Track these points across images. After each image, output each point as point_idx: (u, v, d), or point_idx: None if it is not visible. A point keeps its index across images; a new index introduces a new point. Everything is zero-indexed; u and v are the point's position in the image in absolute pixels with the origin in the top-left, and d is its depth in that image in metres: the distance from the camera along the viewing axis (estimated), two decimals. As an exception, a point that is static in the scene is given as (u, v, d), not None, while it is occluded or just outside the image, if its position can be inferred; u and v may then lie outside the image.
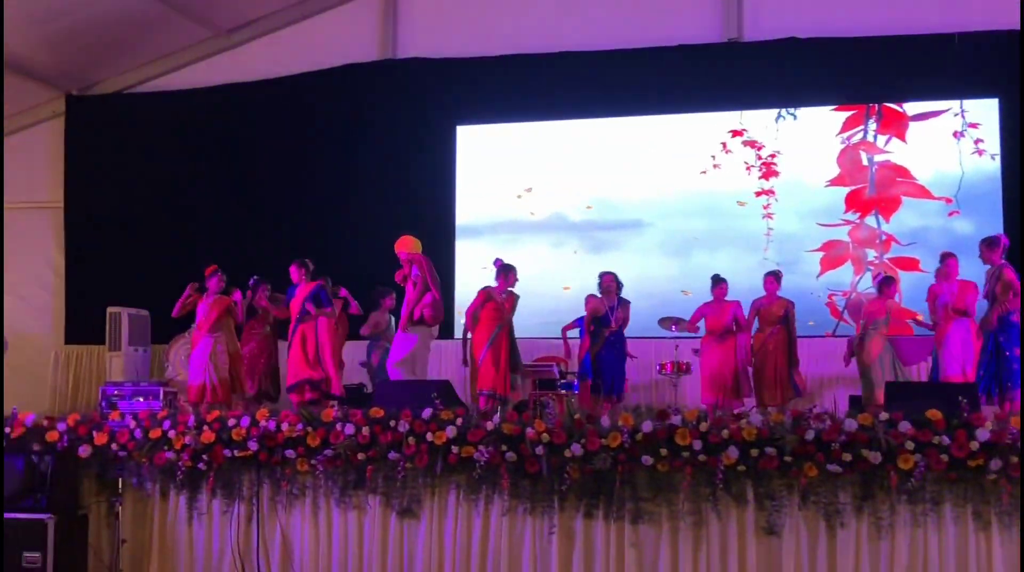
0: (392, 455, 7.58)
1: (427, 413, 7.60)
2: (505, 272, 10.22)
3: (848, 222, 13.02)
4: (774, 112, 13.39)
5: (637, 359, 11.40)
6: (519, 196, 13.89)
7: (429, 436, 7.51)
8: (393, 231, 13.70)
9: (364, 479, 7.70)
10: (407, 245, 9.73)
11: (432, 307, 9.31)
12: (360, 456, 7.68)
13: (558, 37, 13.71)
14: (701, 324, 11.12)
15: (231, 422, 7.99)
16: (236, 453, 7.90)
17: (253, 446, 7.85)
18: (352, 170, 14.07)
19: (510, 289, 10.19)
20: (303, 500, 7.87)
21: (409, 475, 7.60)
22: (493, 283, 10.32)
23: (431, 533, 7.57)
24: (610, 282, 11.05)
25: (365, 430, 7.66)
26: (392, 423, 7.63)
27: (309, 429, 7.81)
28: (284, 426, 7.84)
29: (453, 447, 7.47)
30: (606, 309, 10.95)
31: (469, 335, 10.22)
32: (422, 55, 14.09)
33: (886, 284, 10.56)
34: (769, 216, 13.29)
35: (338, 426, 7.74)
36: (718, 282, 11.04)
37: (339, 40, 14.25)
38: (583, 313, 11.17)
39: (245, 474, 7.96)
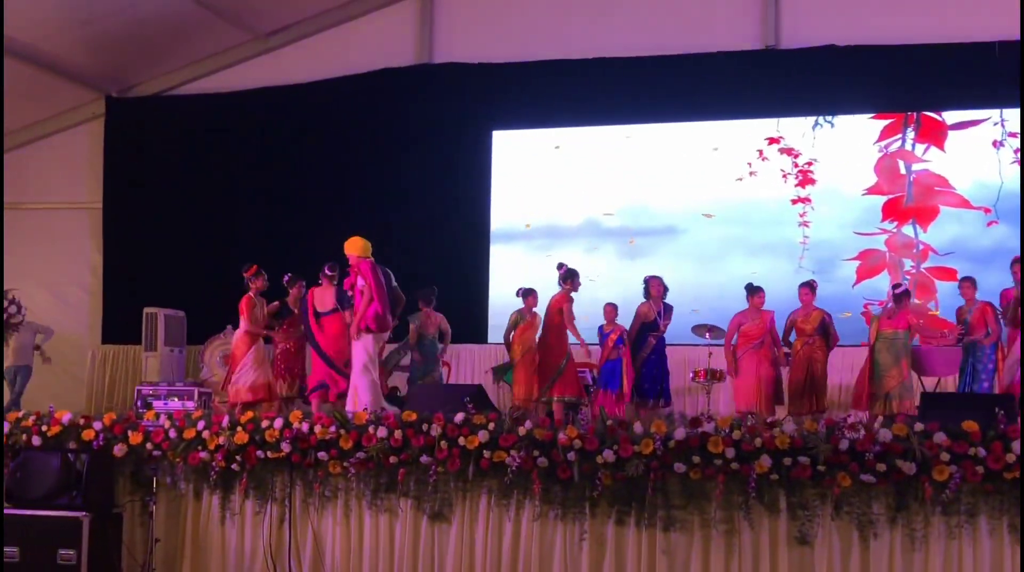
0: (424, 459, 7.60)
1: (459, 417, 7.61)
2: (570, 277, 10.27)
3: (885, 231, 12.92)
4: (811, 120, 13.31)
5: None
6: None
7: (461, 440, 7.52)
8: (429, 235, 13.86)
9: (396, 482, 7.72)
10: (355, 248, 9.42)
11: (375, 320, 9.09)
12: (392, 459, 7.70)
13: (595, 43, 13.71)
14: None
15: (264, 424, 8.03)
16: (269, 454, 7.94)
17: (286, 448, 7.88)
18: (388, 174, 14.12)
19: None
20: (335, 502, 7.90)
21: (441, 479, 7.61)
22: (557, 287, 10.45)
23: (462, 537, 7.58)
24: (658, 287, 11.03)
25: (398, 433, 7.69)
26: (425, 427, 7.65)
27: (342, 431, 7.84)
28: (317, 428, 7.87)
29: (485, 452, 7.48)
30: (655, 314, 10.96)
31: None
32: (459, 60, 14.12)
33: (904, 298, 10.40)
34: (805, 224, 13.21)
35: (371, 429, 7.76)
36: (755, 291, 10.90)
37: (376, 45, 14.32)
38: (602, 320, 11.18)
39: (278, 475, 8.01)
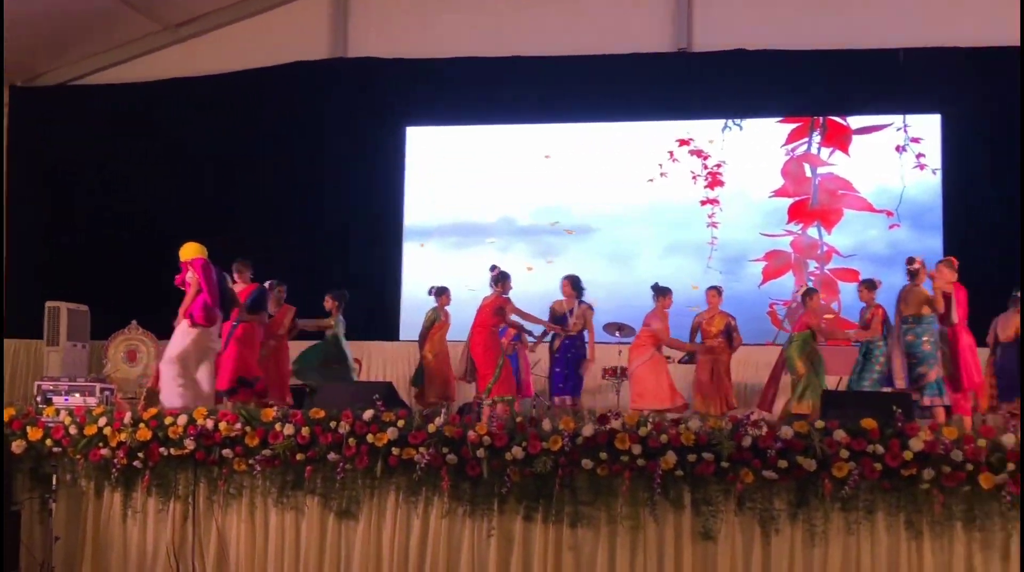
0: (332, 456, 7.53)
1: (368, 414, 7.56)
2: (502, 279, 10.29)
3: (791, 233, 13.20)
4: (721, 122, 13.54)
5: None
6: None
7: (370, 437, 7.47)
8: (342, 231, 13.76)
9: (303, 480, 7.63)
10: (189, 252, 9.23)
11: (203, 310, 9.05)
12: (299, 457, 7.62)
13: (511, 41, 13.78)
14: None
15: (168, 420, 7.89)
16: (172, 451, 7.80)
17: (190, 444, 7.76)
18: (300, 168, 14.01)
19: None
20: (240, 500, 7.78)
21: (348, 476, 7.54)
22: (488, 289, 10.44)
23: (369, 534, 7.52)
24: (565, 287, 11.04)
25: (305, 431, 7.61)
26: (332, 424, 7.59)
27: (248, 429, 7.73)
28: (222, 425, 7.76)
29: (394, 449, 7.43)
30: (565, 312, 11.00)
31: None
32: (373, 55, 14.06)
33: (808, 296, 10.67)
34: (714, 225, 13.43)
35: (277, 426, 7.68)
36: (663, 293, 10.89)
37: (289, 37, 14.20)
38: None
39: (181, 473, 7.86)
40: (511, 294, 10.38)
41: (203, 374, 9.16)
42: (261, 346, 10.26)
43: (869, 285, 10.45)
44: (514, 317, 10.49)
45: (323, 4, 14.32)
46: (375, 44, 14.10)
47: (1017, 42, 12.58)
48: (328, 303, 11.08)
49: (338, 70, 14.12)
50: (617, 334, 11.32)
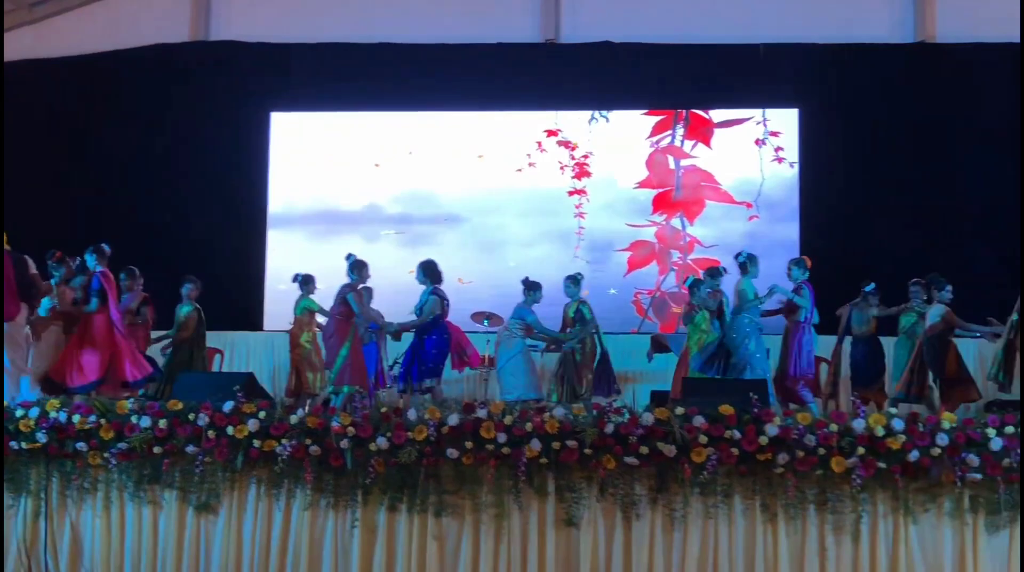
0: (190, 449, 7.37)
1: (229, 406, 7.41)
2: (358, 268, 9.91)
3: (655, 223, 13.42)
4: (588, 114, 13.67)
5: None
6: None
7: (230, 430, 7.33)
8: (204, 218, 13.44)
9: (160, 473, 7.45)
10: None
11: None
12: (156, 450, 7.43)
13: (378, 27, 13.70)
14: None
15: (19, 413, 7.60)
16: (24, 445, 7.52)
17: (42, 438, 7.49)
18: (161, 153, 13.66)
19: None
20: (95, 494, 7.55)
21: (208, 469, 7.38)
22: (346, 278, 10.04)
23: (229, 528, 7.37)
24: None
25: (162, 423, 7.42)
26: (191, 416, 7.41)
27: (102, 421, 7.50)
28: (76, 418, 7.51)
29: (255, 441, 7.31)
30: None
31: None
32: (237, 38, 13.77)
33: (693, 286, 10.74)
34: (581, 215, 13.57)
35: (133, 419, 7.47)
36: (534, 286, 10.75)
37: (150, 19, 13.85)
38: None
39: (33, 467, 7.59)
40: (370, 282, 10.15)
41: (30, 365, 8.84)
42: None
43: (714, 272, 10.47)
44: (354, 306, 10.06)
45: (185, -14, 13.99)
46: (239, 28, 13.83)
47: (870, 40, 13.09)
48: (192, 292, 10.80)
49: (200, 54, 13.79)
50: (486, 323, 11.33)
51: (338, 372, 9.67)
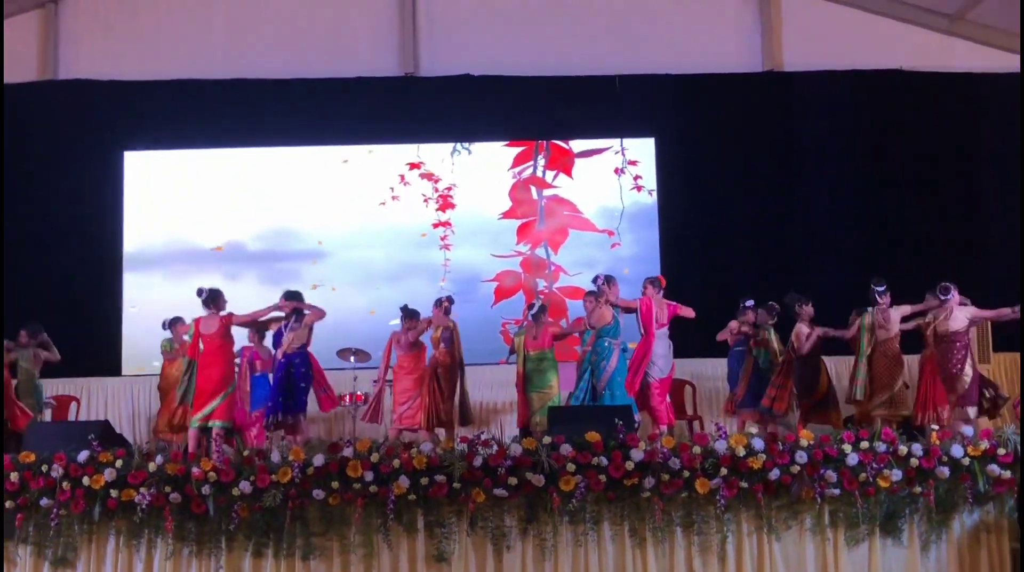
0: (44, 502, 7.09)
1: (84, 456, 7.16)
2: (213, 298, 9.52)
3: (520, 253, 13.50)
4: (450, 146, 13.71)
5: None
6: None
7: (86, 480, 7.08)
8: (56, 261, 13.00)
9: (13, 528, 7.15)
10: None
11: None
12: (8, 504, 7.14)
13: (234, 63, 13.49)
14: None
15: None
16: None
17: None
18: (9, 197, 13.12)
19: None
20: (-59, 555, 7.21)
21: (64, 522, 7.13)
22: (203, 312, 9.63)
23: (87, 582, 7.14)
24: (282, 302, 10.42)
25: (14, 476, 7.13)
26: (44, 468, 7.14)
27: (-51, 477, 7.18)
28: (-81, 475, 7.16)
29: (112, 491, 7.08)
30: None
31: None
32: (86, 76, 13.40)
33: (540, 315, 10.60)
34: (447, 247, 13.56)
35: (-18, 473, 7.16)
36: (411, 315, 10.61)
37: (-7, 57, 13.31)
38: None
39: None
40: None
41: None
42: None
43: (593, 296, 10.47)
44: (244, 318, 9.71)
45: (31, 24, 13.53)
46: (88, 66, 13.45)
47: (721, 70, 13.48)
48: (22, 337, 10.39)
49: (49, 93, 13.37)
50: (352, 359, 11.19)
51: (216, 407, 9.22)
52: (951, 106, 13.34)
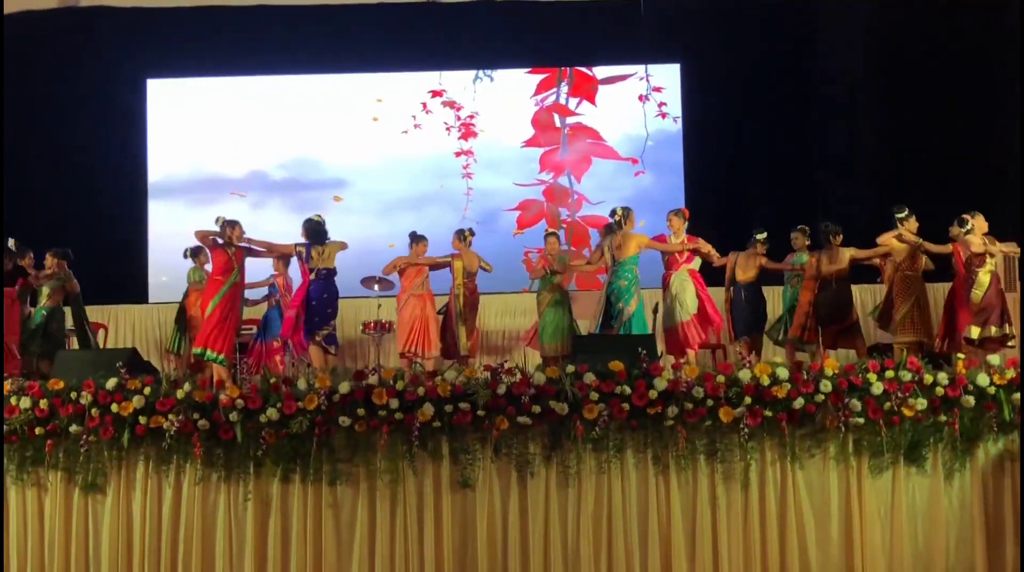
0: (74, 428, 7.18)
1: (112, 383, 7.23)
2: (230, 226, 9.54)
3: (542, 182, 13.43)
4: (472, 73, 13.59)
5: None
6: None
7: (114, 407, 7.15)
8: (80, 190, 13.05)
9: (43, 455, 7.25)
10: None
11: None
12: (38, 431, 7.23)
13: (256, -11, 13.34)
14: None
15: None
16: None
17: (-85, 424, 7.22)
18: (32, 125, 13.15)
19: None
20: (-26, 480, 7.33)
21: (93, 449, 7.21)
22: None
23: (118, 507, 7.22)
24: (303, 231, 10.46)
25: (43, 403, 7.21)
26: (73, 395, 7.22)
27: (-20, 404, 7.28)
28: (-49, 402, 7.26)
29: (140, 417, 7.15)
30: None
31: None
32: (107, 3, 13.28)
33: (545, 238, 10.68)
34: (469, 176, 13.52)
35: (13, 400, 7.24)
36: (418, 239, 10.76)
37: (14, -15, 13.22)
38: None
39: (-93, 454, 7.32)
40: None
41: None
42: None
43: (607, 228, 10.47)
44: (251, 246, 9.74)
45: (50, -51, 13.42)
46: (110, -9, 13.36)
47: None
48: (48, 261, 10.40)
49: (70, 20, 13.28)
50: (376, 288, 11.22)
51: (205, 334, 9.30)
52: (979, 34, 13.08)
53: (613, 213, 9.67)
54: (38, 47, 13.09)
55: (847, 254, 9.77)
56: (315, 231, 9.81)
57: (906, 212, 9.50)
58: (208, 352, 9.17)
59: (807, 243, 10.42)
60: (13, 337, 9.55)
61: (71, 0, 13.43)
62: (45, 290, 10.15)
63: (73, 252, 10.59)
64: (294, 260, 10.15)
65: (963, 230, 9.29)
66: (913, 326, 9.48)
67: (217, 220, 9.52)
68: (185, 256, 11.04)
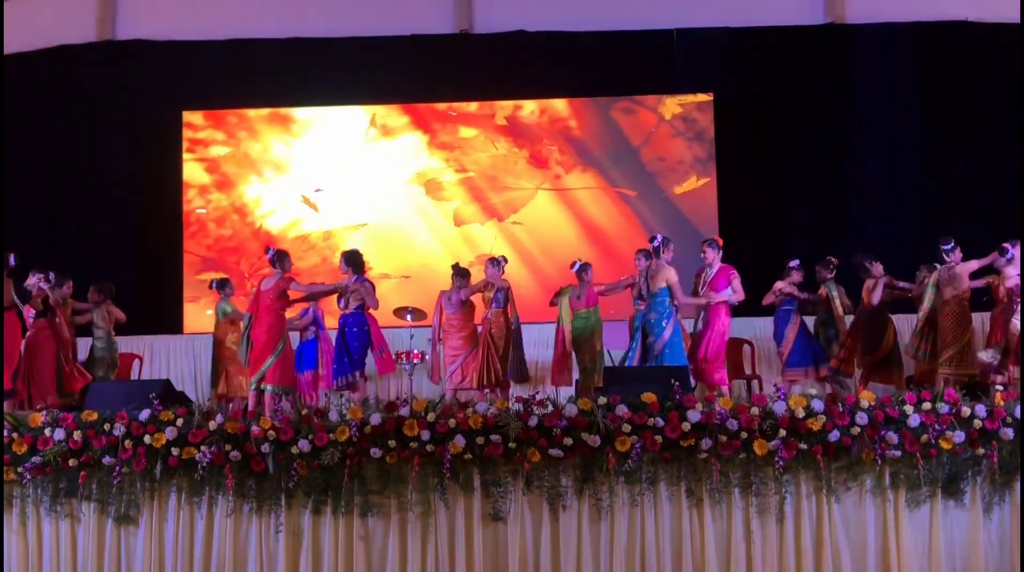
0: (107, 460, 7.21)
1: (145, 415, 7.26)
2: (280, 259, 9.65)
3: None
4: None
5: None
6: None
7: (147, 439, 7.18)
8: (118, 221, 13.18)
9: (77, 486, 7.28)
10: None
11: None
12: (72, 462, 7.26)
13: (288, 22, 13.51)
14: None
15: (-73, 430, 7.38)
16: (-67, 463, 7.30)
17: (-49, 455, 7.27)
18: (72, 157, 13.34)
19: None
20: (10, 511, 7.36)
21: (126, 480, 7.24)
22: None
23: (151, 538, 7.23)
24: (341, 263, 10.49)
25: (77, 435, 7.25)
26: (107, 426, 7.25)
27: (15, 436, 7.31)
28: (-13, 433, 7.31)
29: (173, 449, 7.17)
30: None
31: None
32: (144, 37, 13.50)
33: (584, 270, 10.56)
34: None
35: (47, 432, 7.28)
36: (461, 273, 10.72)
37: (54, 20, 13.53)
38: None
39: (-57, 486, 7.37)
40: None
41: None
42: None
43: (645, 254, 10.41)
44: (301, 289, 9.86)
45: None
46: (146, 26, 13.56)
47: (779, 22, 13.24)
48: (93, 296, 10.52)
49: (107, 54, 13.49)
50: (408, 318, 11.23)
51: (268, 367, 9.33)
52: (1017, 59, 12.98)
53: (653, 238, 9.67)
54: (79, 78, 13.30)
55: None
56: (358, 262, 9.87)
57: (952, 243, 9.49)
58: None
59: (830, 276, 10.44)
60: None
61: (108, 34, 13.66)
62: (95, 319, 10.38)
63: (113, 284, 10.73)
64: None
65: (1005, 259, 9.21)
66: (970, 358, 9.39)
67: (268, 250, 9.58)
68: (211, 287, 11.11)
